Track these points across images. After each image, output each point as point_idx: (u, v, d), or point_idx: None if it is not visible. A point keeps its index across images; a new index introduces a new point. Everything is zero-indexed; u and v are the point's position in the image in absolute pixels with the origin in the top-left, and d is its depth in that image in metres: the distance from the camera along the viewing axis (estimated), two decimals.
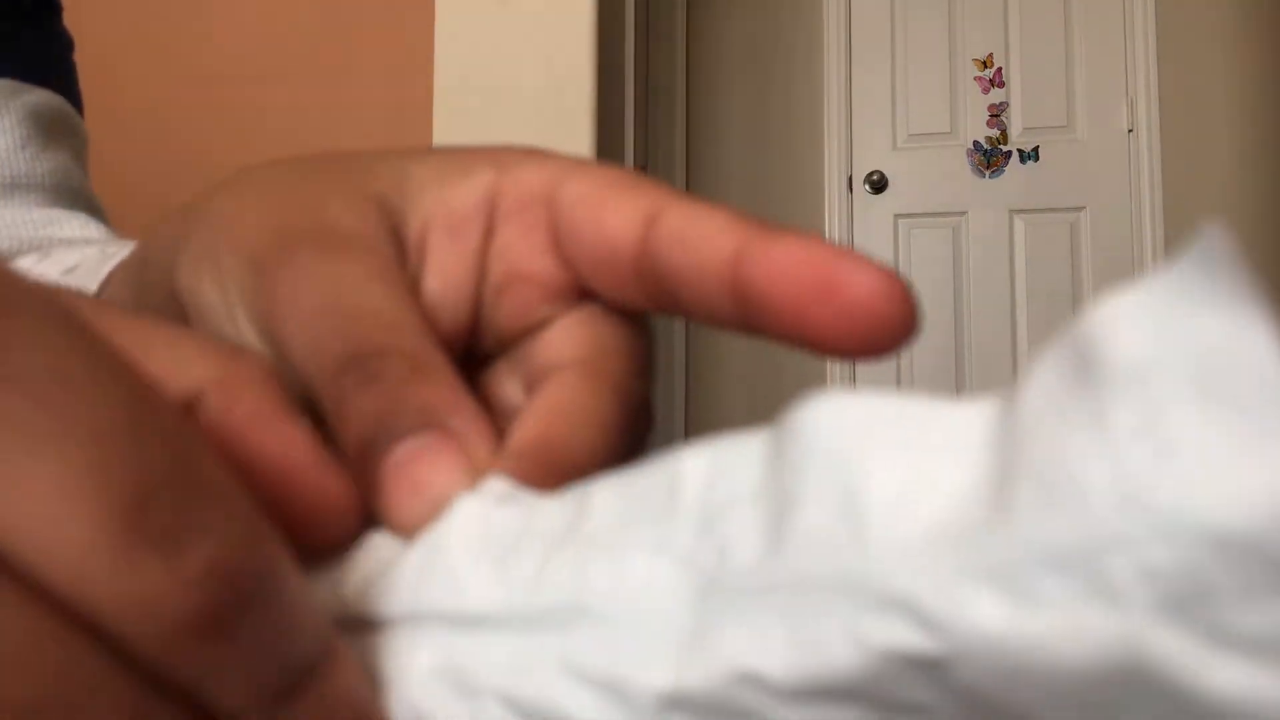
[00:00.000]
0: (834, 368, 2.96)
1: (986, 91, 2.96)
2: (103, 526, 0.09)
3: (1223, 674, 0.08)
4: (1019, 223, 2.90)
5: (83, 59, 0.44)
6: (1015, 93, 2.95)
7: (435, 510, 0.14)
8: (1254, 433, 0.08)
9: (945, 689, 0.10)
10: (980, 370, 2.90)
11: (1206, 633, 0.08)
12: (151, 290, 0.19)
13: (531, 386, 0.17)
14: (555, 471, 0.15)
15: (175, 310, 0.18)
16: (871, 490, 0.10)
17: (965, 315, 2.92)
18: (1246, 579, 0.08)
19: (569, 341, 0.17)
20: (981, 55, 2.98)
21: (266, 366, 0.13)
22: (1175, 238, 2.82)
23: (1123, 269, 2.86)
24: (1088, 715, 0.09)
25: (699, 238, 0.15)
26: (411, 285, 0.17)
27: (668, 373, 2.88)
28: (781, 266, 0.14)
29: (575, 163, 0.17)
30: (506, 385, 0.18)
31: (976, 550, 0.09)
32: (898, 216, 2.98)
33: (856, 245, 2.99)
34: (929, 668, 0.10)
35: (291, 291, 0.16)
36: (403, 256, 0.17)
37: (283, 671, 0.11)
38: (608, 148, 1.92)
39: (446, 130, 1.83)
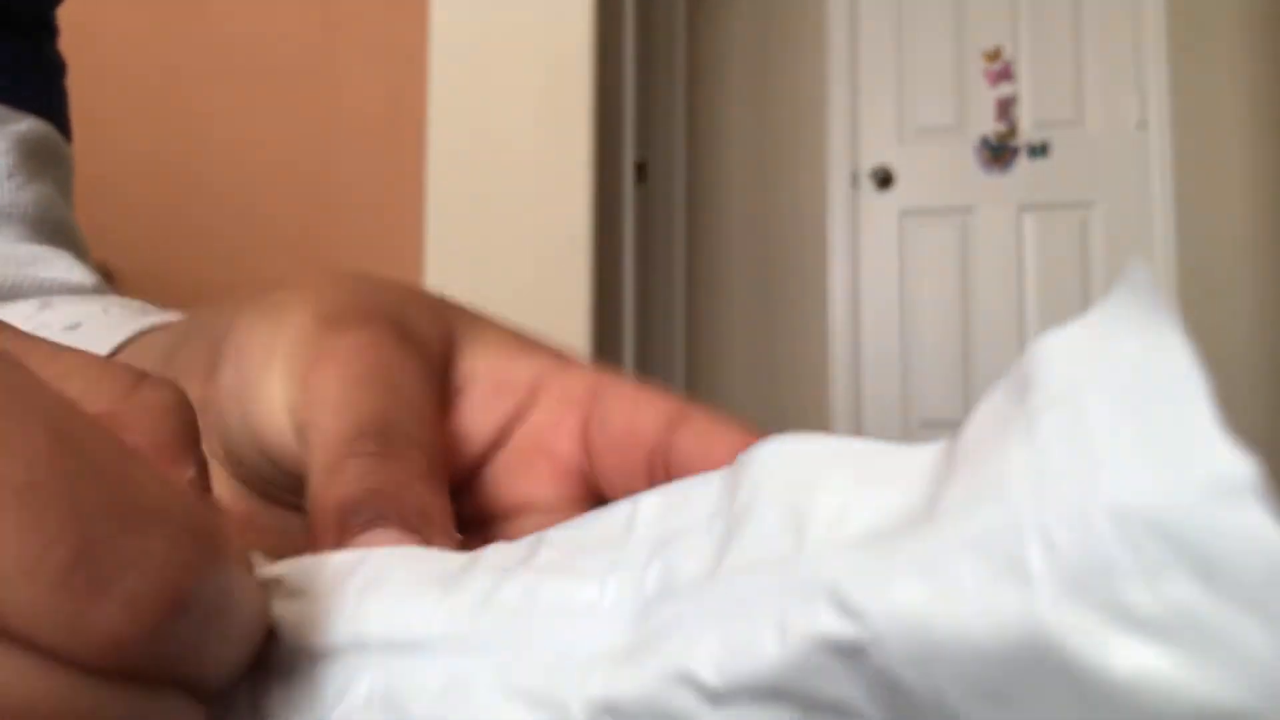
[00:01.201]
0: (836, 367, 2.93)
1: (994, 85, 2.94)
2: (45, 586, 0.10)
3: (1121, 654, 0.08)
4: (1028, 219, 2.88)
5: (78, 58, 0.44)
6: (1024, 86, 2.93)
7: None
8: (1161, 426, 0.08)
9: (865, 679, 0.10)
10: (988, 372, 2.88)
11: (1108, 612, 0.08)
12: (191, 343, 0.20)
13: None
14: None
15: (208, 358, 0.19)
16: (815, 510, 0.11)
17: (973, 315, 2.90)
18: (1143, 556, 0.08)
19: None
20: (989, 47, 2.96)
21: (168, 400, 0.13)
22: (1188, 233, 2.80)
23: None
24: (998, 705, 0.09)
25: (713, 441, 0.17)
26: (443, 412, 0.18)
27: (668, 367, 2.85)
28: None
29: (619, 375, 0.19)
30: None
31: (902, 545, 0.10)
32: (903, 212, 2.95)
33: (861, 242, 2.97)
34: (850, 654, 0.10)
35: (349, 353, 0.17)
36: (453, 384, 0.19)
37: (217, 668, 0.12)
38: (607, 146, 1.90)
39: (443, 128, 1.81)
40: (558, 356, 0.20)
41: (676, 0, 2.93)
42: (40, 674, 0.10)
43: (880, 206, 2.98)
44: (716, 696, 0.10)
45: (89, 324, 0.27)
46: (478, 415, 0.19)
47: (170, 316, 0.27)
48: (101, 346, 0.24)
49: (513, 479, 0.19)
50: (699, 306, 3.01)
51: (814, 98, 3.03)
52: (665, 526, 0.12)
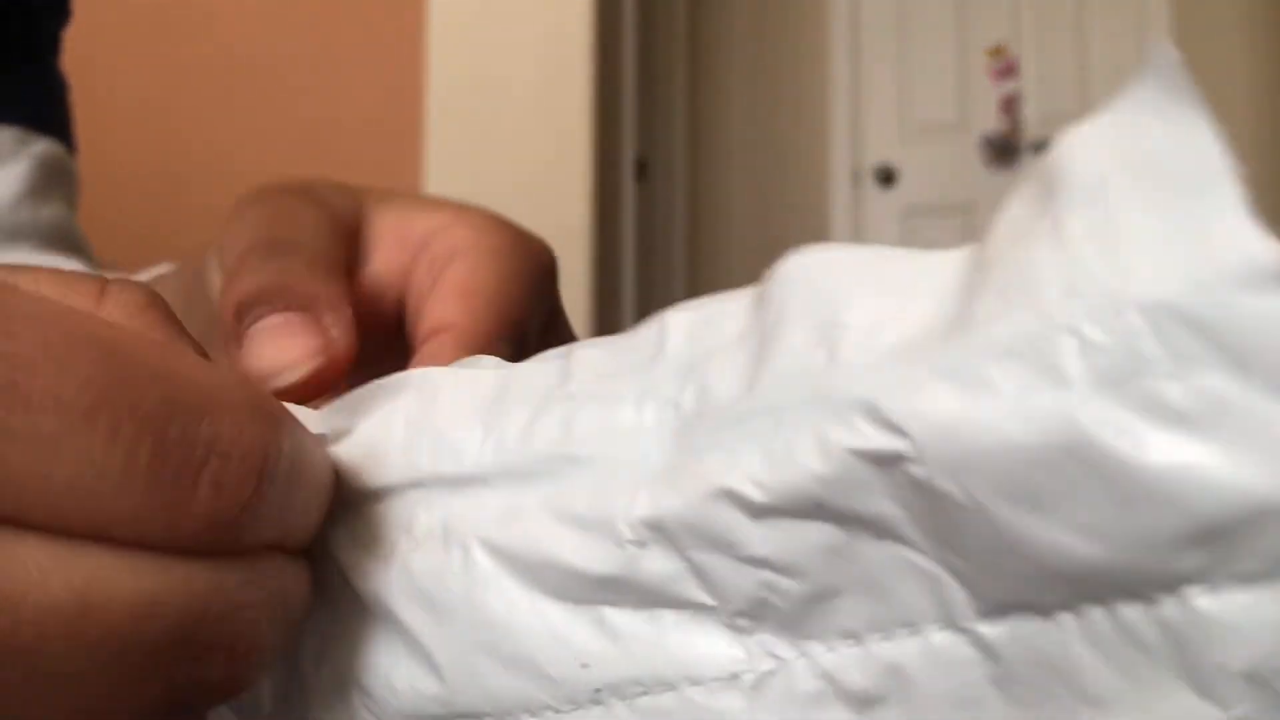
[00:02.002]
0: None
1: (998, 81, 2.95)
2: (140, 488, 0.11)
3: (1157, 447, 0.08)
4: None
5: (77, 60, 0.46)
6: (1028, 83, 2.93)
7: (272, 377, 0.17)
8: (1188, 216, 0.08)
9: (904, 493, 0.10)
10: None
11: (1143, 406, 0.09)
12: (197, 304, 0.22)
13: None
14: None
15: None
16: (848, 322, 0.11)
17: None
18: (1176, 349, 0.08)
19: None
20: (992, 44, 2.96)
21: (140, 297, 0.14)
22: None
23: None
24: (1035, 508, 0.09)
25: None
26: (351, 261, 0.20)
27: None
28: None
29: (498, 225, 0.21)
30: None
31: (936, 354, 0.10)
32: (906, 211, 2.95)
33: (864, 239, 2.97)
34: (890, 467, 0.10)
35: (256, 208, 0.19)
36: (365, 243, 0.21)
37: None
38: (607, 143, 1.90)
39: (442, 126, 1.81)
40: (457, 211, 0.21)
41: None
42: (152, 569, 0.11)
43: (883, 204, 2.98)
44: (759, 511, 0.11)
45: None
46: (384, 266, 0.20)
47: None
48: None
49: (425, 309, 0.20)
50: None
51: (816, 95, 3.04)
52: (696, 345, 0.12)
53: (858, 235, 2.97)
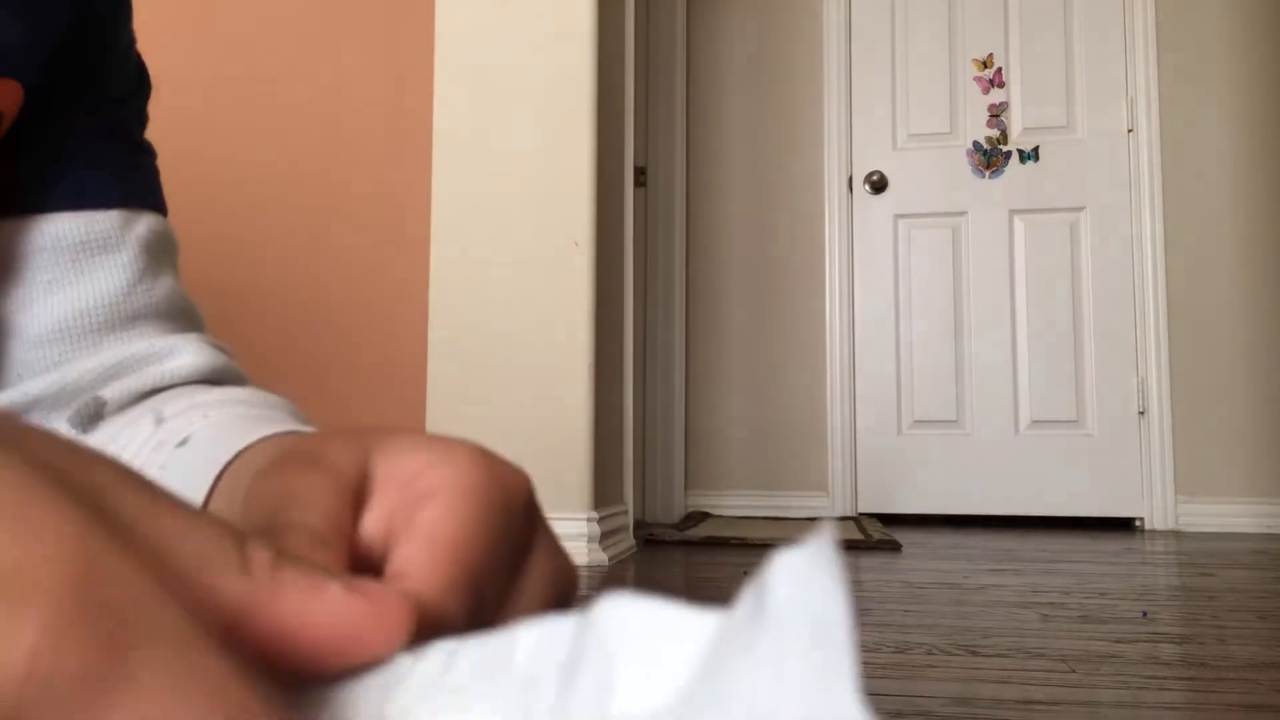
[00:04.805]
0: (832, 365, 2.94)
1: (986, 92, 2.96)
2: None
3: None
4: (1019, 223, 2.90)
5: None
6: (1015, 93, 2.94)
7: None
8: (825, 688, 0.12)
9: None
10: (980, 371, 2.90)
11: None
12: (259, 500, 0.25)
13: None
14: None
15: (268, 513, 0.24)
16: (619, 682, 0.15)
17: (965, 315, 2.92)
18: None
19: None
20: (981, 55, 2.97)
21: (279, 560, 0.16)
22: (1174, 237, 2.82)
23: (1123, 269, 2.86)
24: None
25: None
26: (358, 507, 0.21)
27: (667, 367, 2.86)
28: None
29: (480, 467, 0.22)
30: None
31: None
32: (898, 216, 2.97)
33: (856, 245, 2.99)
34: None
35: (267, 482, 0.21)
36: (366, 493, 0.21)
37: None
38: (607, 148, 1.91)
39: (447, 131, 1.83)
40: (446, 448, 0.22)
41: (676, 10, 2.94)
42: None
43: (875, 211, 2.98)
44: None
45: (196, 437, 0.33)
46: (379, 510, 0.21)
47: (257, 411, 0.34)
48: (208, 472, 0.30)
49: (394, 550, 0.20)
50: (698, 307, 3.02)
51: (810, 105, 3.03)
52: (533, 662, 0.16)
53: (851, 240, 2.99)
